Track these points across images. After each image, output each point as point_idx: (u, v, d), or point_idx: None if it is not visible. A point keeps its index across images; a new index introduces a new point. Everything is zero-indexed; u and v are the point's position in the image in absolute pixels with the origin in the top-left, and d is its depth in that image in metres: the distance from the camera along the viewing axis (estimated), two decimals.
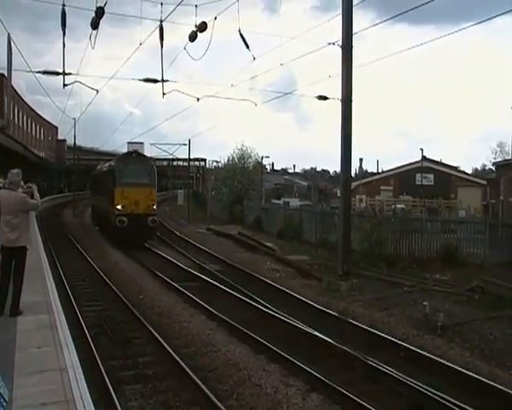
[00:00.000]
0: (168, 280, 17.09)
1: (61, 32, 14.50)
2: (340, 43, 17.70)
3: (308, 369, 9.18)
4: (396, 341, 11.04)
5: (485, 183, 54.78)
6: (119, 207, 26.05)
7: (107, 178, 29.01)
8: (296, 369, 9.35)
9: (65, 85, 16.87)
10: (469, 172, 70.84)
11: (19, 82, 75.23)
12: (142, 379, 8.98)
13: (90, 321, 12.07)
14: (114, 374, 8.96)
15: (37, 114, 66.57)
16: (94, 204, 39.17)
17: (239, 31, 14.85)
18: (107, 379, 8.37)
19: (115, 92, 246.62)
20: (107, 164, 33.12)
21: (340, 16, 17.69)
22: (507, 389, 8.59)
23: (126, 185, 26.45)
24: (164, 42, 15.21)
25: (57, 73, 16.75)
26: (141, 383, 8.79)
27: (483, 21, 43.96)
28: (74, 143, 54.84)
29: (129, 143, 42.71)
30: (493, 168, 59.36)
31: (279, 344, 10.48)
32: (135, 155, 28.81)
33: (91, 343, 10.15)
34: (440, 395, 8.16)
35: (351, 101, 17.88)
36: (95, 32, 14.14)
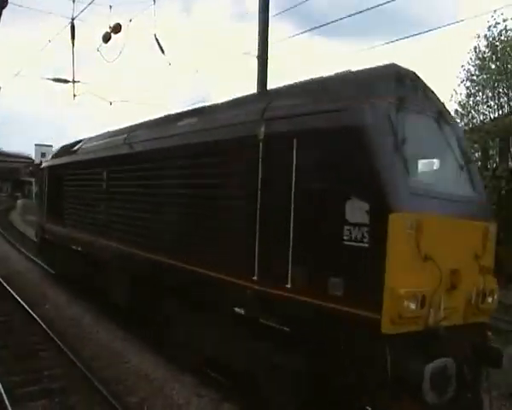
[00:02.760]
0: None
1: None
2: (256, 54, 17.87)
3: (220, 379, 9.10)
4: None
5: None
6: (409, 305, 5.70)
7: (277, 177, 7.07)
8: (208, 379, 9.25)
9: None
10: None
11: None
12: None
13: None
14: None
15: None
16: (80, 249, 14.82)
17: (155, 35, 14.63)
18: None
19: (21, 90, 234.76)
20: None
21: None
22: None
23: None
24: (76, 41, 14.75)
25: None
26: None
27: (388, 43, 46.08)
28: None
29: (37, 145, 40.59)
30: None
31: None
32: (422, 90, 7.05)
33: None
34: None
35: None
36: None
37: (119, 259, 11.97)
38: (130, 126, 12.96)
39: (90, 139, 15.82)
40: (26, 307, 13.71)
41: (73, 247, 15.14)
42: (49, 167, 19.17)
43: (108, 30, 14.23)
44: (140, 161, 11.20)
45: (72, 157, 16.42)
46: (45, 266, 20.45)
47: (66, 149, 17.79)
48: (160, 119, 11.88)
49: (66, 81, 17.27)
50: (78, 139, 17.46)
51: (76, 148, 16.54)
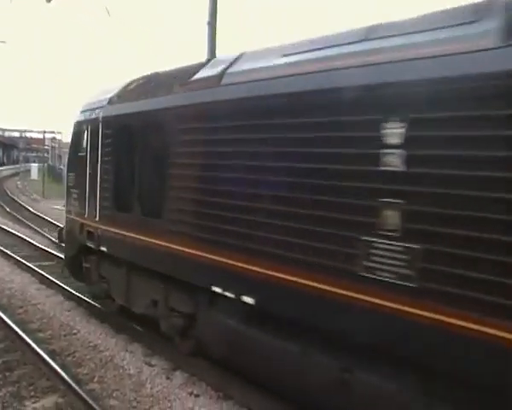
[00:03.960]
0: (21, 260, 15.94)
1: None
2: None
3: (170, 348, 9.13)
4: None
5: None
6: None
7: None
8: (159, 348, 9.26)
9: None
10: None
11: None
12: None
13: None
14: None
15: None
16: None
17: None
18: None
19: None
20: None
21: None
22: None
23: None
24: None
25: None
26: None
27: None
28: None
29: None
30: None
31: (141, 323, 10.30)
32: None
33: None
34: None
35: None
36: None
37: None
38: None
39: (266, 53, 6.63)
40: None
41: (215, 288, 6.75)
42: (111, 120, 9.53)
43: None
44: None
45: (200, 95, 7.06)
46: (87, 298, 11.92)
47: (168, 79, 8.45)
48: None
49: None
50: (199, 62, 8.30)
51: (209, 74, 7.24)
